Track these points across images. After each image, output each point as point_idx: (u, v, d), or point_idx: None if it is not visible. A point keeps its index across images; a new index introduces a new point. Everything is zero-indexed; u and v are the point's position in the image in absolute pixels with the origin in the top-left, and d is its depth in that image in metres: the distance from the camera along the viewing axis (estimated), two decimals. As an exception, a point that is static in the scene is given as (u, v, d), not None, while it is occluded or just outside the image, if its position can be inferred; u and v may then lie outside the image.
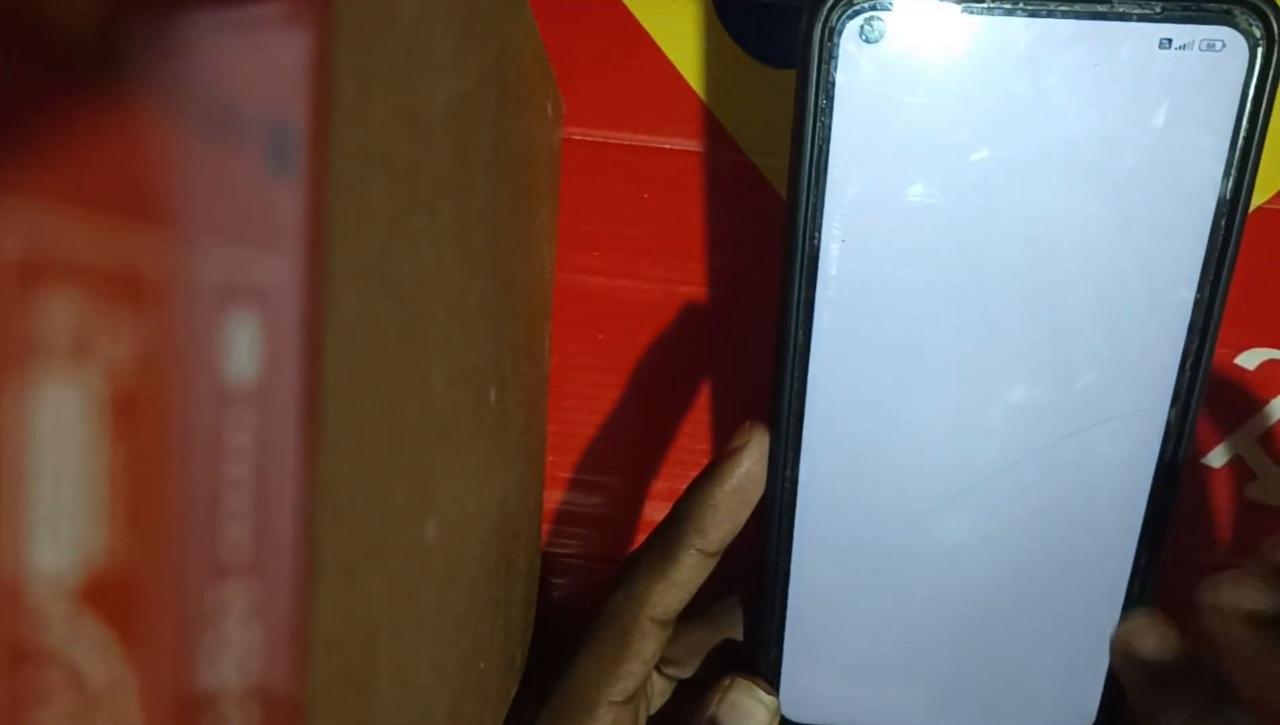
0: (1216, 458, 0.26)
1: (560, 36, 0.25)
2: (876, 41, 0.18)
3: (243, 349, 0.09)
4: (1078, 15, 0.18)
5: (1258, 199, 0.24)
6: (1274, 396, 0.26)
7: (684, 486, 0.22)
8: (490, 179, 0.17)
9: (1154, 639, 0.21)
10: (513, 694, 0.22)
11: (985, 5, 0.18)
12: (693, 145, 0.25)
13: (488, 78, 0.16)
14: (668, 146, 0.25)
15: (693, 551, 0.20)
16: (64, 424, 0.07)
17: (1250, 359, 0.25)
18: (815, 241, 0.19)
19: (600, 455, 0.27)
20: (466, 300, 0.16)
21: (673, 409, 0.27)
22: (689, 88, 0.25)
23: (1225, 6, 0.18)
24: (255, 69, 0.09)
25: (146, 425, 0.08)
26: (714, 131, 0.25)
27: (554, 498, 0.27)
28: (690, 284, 0.26)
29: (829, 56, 0.18)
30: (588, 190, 0.26)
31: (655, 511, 0.27)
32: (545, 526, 0.27)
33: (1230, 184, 0.19)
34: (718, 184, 0.26)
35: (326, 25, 0.09)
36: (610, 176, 0.25)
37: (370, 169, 0.11)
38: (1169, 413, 0.20)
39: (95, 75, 0.07)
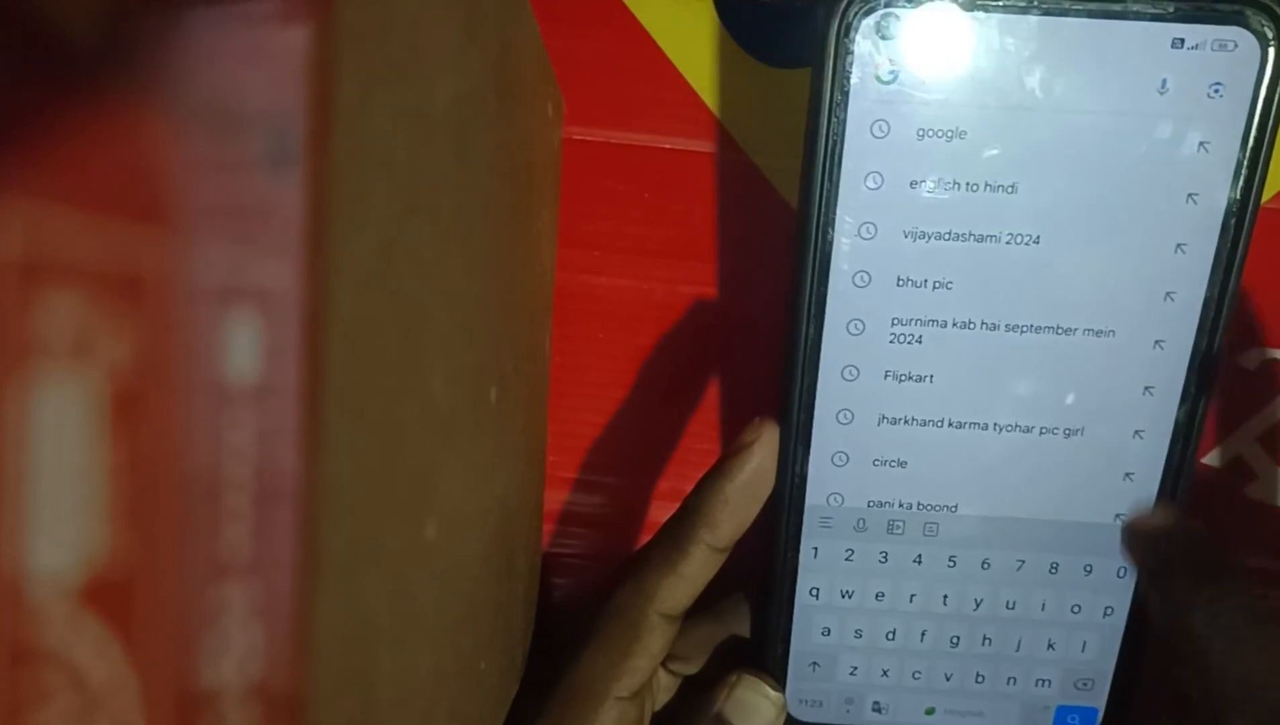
0: (1216, 458, 0.26)
1: (561, 36, 0.25)
2: (892, 38, 0.18)
3: (243, 349, 0.09)
4: (1091, 14, 0.18)
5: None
6: (1274, 396, 0.26)
7: (686, 486, 0.22)
8: (491, 179, 0.17)
9: (1158, 516, 0.21)
10: (513, 694, 0.22)
11: (1000, 3, 0.18)
12: (693, 145, 0.25)
13: (488, 77, 0.16)
14: (668, 146, 0.25)
15: (702, 546, 0.20)
16: (64, 424, 0.07)
17: (1250, 359, 0.25)
18: (828, 237, 0.19)
19: (601, 455, 0.27)
20: (467, 300, 0.16)
21: (674, 409, 0.27)
22: (690, 88, 0.25)
23: (1237, 7, 0.18)
24: (255, 68, 0.09)
25: (147, 425, 0.08)
26: (715, 131, 0.25)
27: (555, 498, 0.27)
28: (691, 284, 0.26)
29: (845, 53, 0.18)
30: (588, 190, 0.25)
31: (657, 511, 0.27)
32: (546, 526, 0.27)
33: (1241, 184, 0.19)
34: (719, 184, 0.26)
35: (327, 24, 0.09)
36: (611, 176, 0.25)
37: (371, 169, 0.11)
38: (1177, 413, 0.20)
39: (95, 75, 0.07)
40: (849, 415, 0.21)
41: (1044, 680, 0.22)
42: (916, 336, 0.20)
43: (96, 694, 0.07)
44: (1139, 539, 0.20)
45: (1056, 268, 0.20)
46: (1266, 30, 0.18)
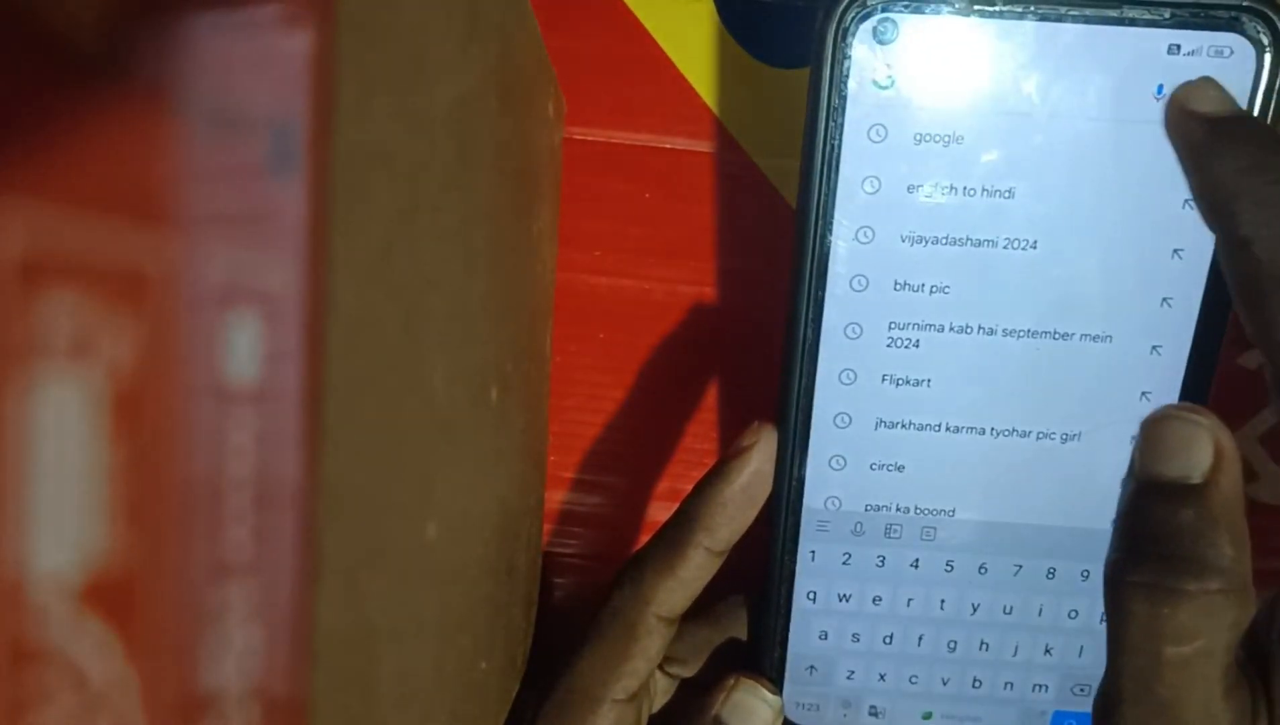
0: (1218, 458, 0.26)
1: (561, 36, 0.25)
2: (890, 42, 0.18)
3: (244, 348, 0.09)
4: (1087, 20, 0.18)
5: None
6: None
7: (686, 486, 0.22)
8: (492, 178, 0.17)
9: (1213, 94, 0.18)
10: (514, 694, 0.22)
11: (996, 9, 0.18)
12: (694, 145, 0.25)
13: (489, 77, 0.16)
14: (669, 146, 0.25)
15: (700, 549, 0.20)
16: (65, 423, 0.07)
17: (1251, 359, 0.25)
18: (826, 240, 0.20)
19: (602, 455, 0.27)
20: (468, 299, 0.16)
21: (674, 409, 0.27)
22: (691, 88, 0.25)
23: (1233, 13, 0.18)
24: (257, 68, 0.09)
25: (148, 425, 0.08)
26: (716, 132, 0.25)
27: (556, 498, 0.27)
28: (692, 284, 0.26)
29: (842, 56, 0.18)
30: (589, 190, 0.25)
31: (657, 511, 0.27)
32: (547, 526, 0.27)
33: None
34: (719, 184, 0.25)
35: (328, 24, 0.09)
36: (612, 176, 0.25)
37: (372, 168, 0.11)
38: None
39: (97, 75, 0.07)
40: (846, 419, 0.21)
41: (1041, 685, 0.22)
42: (914, 341, 0.20)
43: (97, 694, 0.07)
44: (1184, 119, 0.18)
45: (1053, 273, 0.20)
46: (1262, 36, 0.18)
